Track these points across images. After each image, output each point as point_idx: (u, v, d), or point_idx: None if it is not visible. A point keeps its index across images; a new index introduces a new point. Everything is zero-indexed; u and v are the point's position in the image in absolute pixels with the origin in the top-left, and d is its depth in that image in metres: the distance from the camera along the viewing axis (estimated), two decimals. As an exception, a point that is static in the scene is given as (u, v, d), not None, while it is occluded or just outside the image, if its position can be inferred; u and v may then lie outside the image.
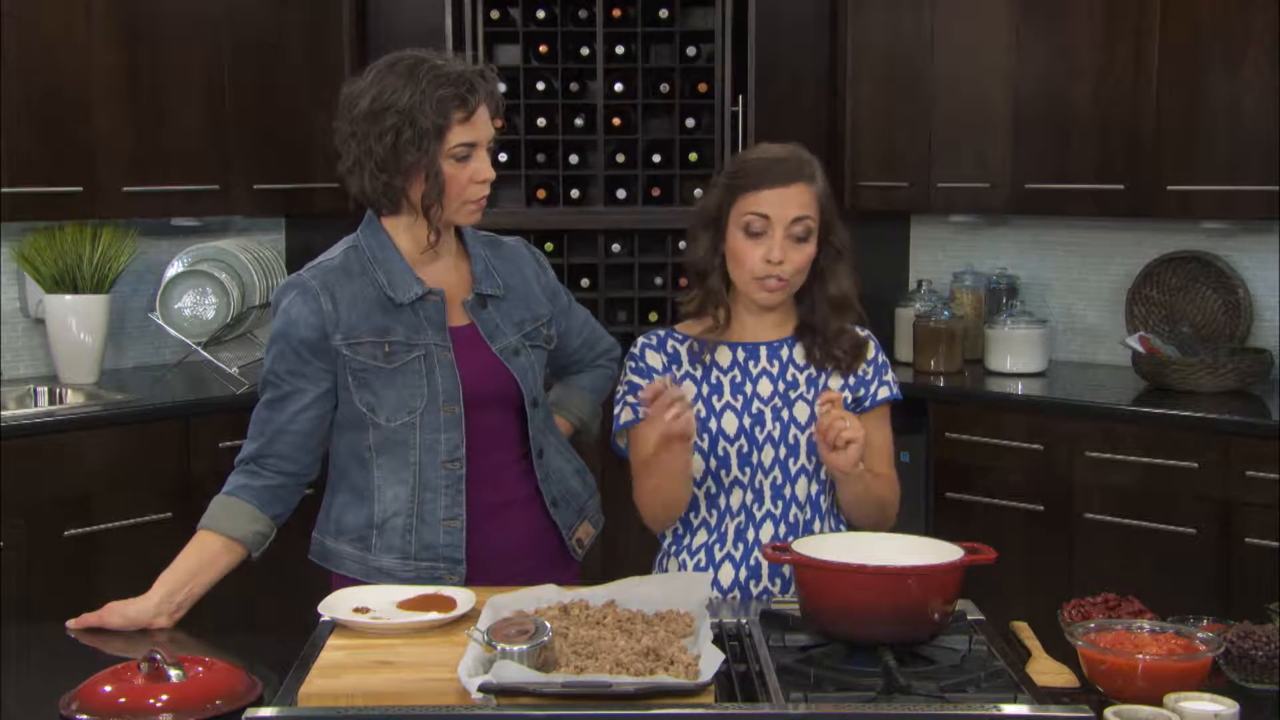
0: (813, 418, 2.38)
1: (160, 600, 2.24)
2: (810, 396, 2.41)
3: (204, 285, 4.36)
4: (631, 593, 2.06)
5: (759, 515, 2.40)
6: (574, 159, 4.49)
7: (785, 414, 2.40)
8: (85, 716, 1.81)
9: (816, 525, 2.40)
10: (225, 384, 4.16)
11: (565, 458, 2.54)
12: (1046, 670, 2.01)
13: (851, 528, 2.42)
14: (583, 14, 4.42)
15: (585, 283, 4.51)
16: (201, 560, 2.29)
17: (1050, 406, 4.08)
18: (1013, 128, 4.35)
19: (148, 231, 4.43)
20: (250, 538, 2.31)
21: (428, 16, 4.35)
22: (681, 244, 4.51)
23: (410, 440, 2.35)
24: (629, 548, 4.34)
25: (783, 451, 2.39)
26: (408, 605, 2.09)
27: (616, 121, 4.47)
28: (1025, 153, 4.34)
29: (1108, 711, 1.79)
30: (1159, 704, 1.82)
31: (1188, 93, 4.03)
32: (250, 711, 1.75)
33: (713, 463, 2.40)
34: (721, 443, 2.40)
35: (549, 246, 4.48)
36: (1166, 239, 4.43)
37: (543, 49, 4.45)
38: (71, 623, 2.23)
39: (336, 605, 2.08)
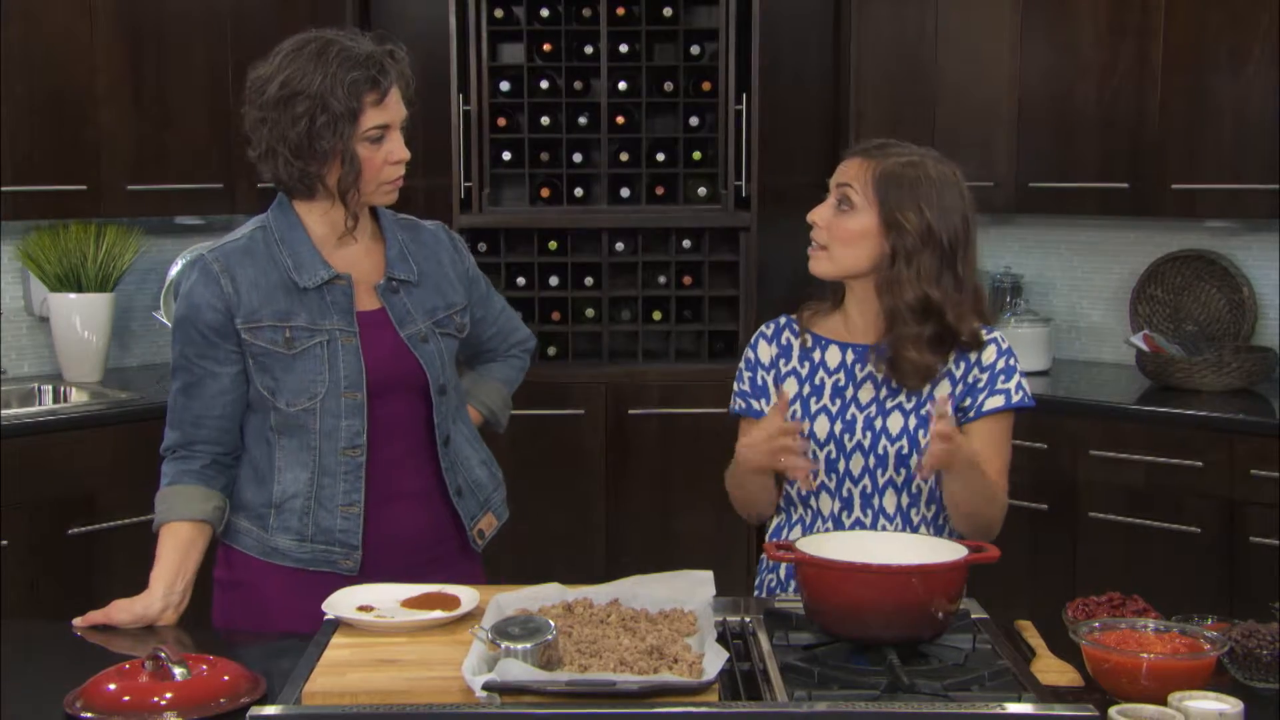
0: (904, 430, 2.34)
1: (163, 594, 2.25)
2: (909, 407, 2.35)
3: (208, 284, 4.36)
4: (635, 591, 2.06)
5: (848, 523, 2.38)
6: (578, 157, 4.49)
7: (879, 423, 2.35)
8: (90, 714, 1.81)
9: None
10: (229, 382, 4.16)
11: (473, 447, 2.51)
12: (1051, 669, 2.01)
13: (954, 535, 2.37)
14: (586, 12, 4.41)
15: (589, 281, 4.51)
16: (180, 548, 2.29)
17: (1054, 405, 4.07)
18: (1016, 126, 4.35)
19: (151, 230, 4.43)
20: (210, 513, 2.32)
21: (431, 15, 4.36)
22: (685, 242, 4.52)
23: (310, 425, 2.32)
24: (631, 546, 4.36)
25: (871, 461, 2.35)
26: (411, 603, 2.09)
27: (620, 120, 4.46)
28: (1029, 151, 4.34)
29: (1112, 710, 1.79)
30: (1164, 703, 1.82)
31: (1192, 91, 4.02)
32: (254, 710, 1.75)
33: None
34: (812, 445, 2.37)
35: (552, 245, 4.48)
36: (1170, 237, 4.43)
37: (547, 47, 4.45)
38: (78, 620, 2.23)
39: (340, 603, 2.08)
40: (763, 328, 2.49)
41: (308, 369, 2.30)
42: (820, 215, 2.36)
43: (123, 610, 2.23)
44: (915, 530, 2.37)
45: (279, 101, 2.25)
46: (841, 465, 2.37)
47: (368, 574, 2.31)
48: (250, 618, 2.34)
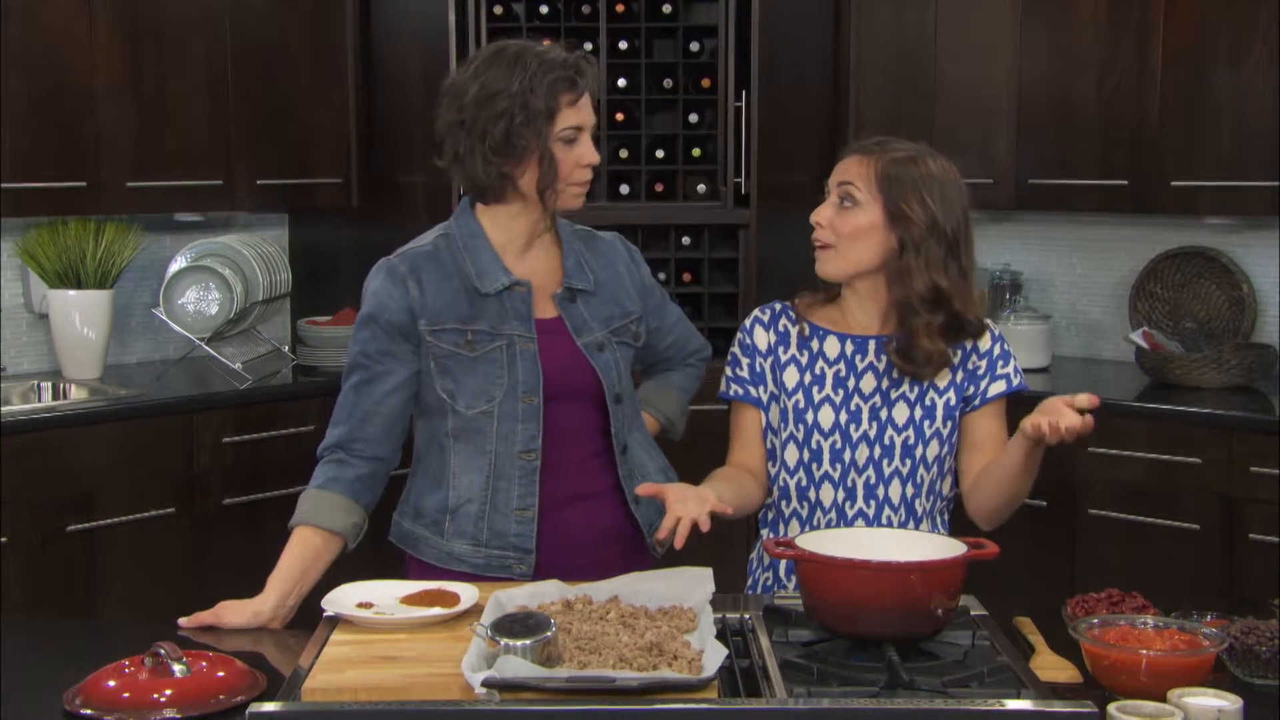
0: (910, 420, 2.36)
1: (276, 601, 2.26)
2: (913, 397, 2.37)
3: (207, 281, 4.36)
4: (635, 588, 2.06)
5: (851, 514, 2.38)
6: (577, 154, 4.48)
7: (884, 414, 2.37)
8: (89, 711, 1.82)
9: (911, 528, 2.36)
10: (228, 379, 4.16)
11: (650, 455, 2.53)
12: (1050, 666, 2.01)
13: (969, 525, 2.37)
14: (586, 9, 4.41)
15: (588, 278, 4.50)
16: (306, 558, 2.31)
17: (1053, 402, 4.07)
18: (1016, 123, 4.35)
19: (151, 227, 4.43)
20: (348, 529, 2.34)
21: (431, 12, 4.34)
22: (685, 239, 4.52)
23: (487, 429, 2.36)
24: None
25: (877, 451, 2.37)
26: (411, 600, 2.09)
27: (620, 117, 4.46)
28: (1028, 148, 4.34)
29: (1111, 707, 1.79)
30: (1163, 700, 1.82)
31: (1191, 88, 4.02)
32: (254, 707, 1.75)
33: (806, 454, 2.39)
34: (816, 436, 2.38)
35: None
36: (1170, 235, 4.43)
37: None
38: (184, 620, 2.23)
39: (340, 601, 2.08)
40: (757, 313, 2.49)
41: (487, 372, 2.35)
42: (823, 215, 2.37)
43: (234, 613, 2.23)
44: (918, 521, 2.38)
45: (479, 102, 2.31)
46: (847, 455, 2.38)
47: (541, 579, 2.29)
48: None
